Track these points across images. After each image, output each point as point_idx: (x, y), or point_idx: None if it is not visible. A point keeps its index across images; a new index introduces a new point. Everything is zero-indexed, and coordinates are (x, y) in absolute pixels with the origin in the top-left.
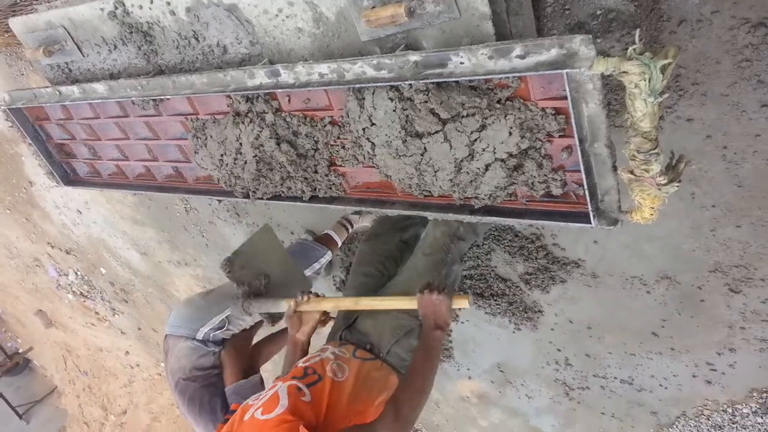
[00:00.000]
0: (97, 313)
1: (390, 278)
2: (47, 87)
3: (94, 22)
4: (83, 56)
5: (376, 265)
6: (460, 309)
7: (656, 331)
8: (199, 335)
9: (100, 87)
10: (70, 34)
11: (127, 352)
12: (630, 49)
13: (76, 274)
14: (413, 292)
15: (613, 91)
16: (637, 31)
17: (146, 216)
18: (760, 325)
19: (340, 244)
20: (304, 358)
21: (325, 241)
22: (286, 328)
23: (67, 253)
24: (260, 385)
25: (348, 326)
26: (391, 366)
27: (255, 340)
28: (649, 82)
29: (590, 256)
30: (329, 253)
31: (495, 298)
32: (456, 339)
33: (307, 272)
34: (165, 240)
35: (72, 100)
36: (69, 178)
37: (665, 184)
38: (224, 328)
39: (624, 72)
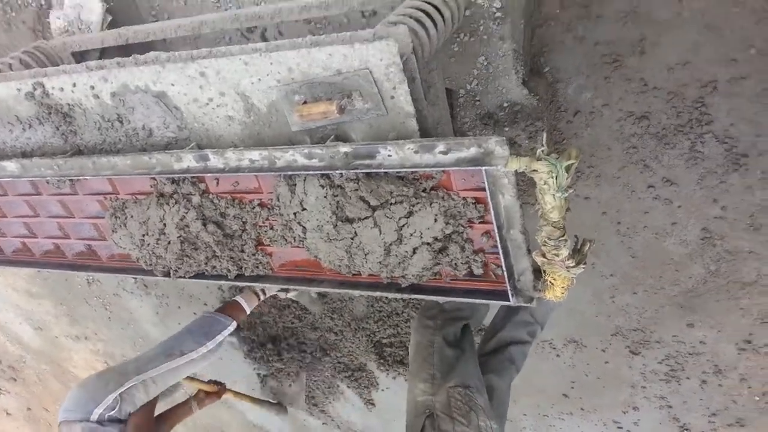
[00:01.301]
0: None
1: None
2: None
3: (9, 101)
4: None
5: None
6: None
7: (567, 393)
8: (94, 417)
9: (10, 165)
10: None
11: None
12: (538, 150)
13: None
14: (413, 402)
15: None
16: (544, 135)
17: (43, 288)
18: (658, 384)
19: (248, 311)
20: None
21: (231, 309)
22: (177, 406)
23: None
24: None
25: None
26: None
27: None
28: (556, 179)
29: None
30: (233, 323)
31: None
32: (380, 409)
33: (210, 345)
34: (63, 313)
35: None
36: None
37: (573, 267)
38: (117, 408)
39: (534, 170)
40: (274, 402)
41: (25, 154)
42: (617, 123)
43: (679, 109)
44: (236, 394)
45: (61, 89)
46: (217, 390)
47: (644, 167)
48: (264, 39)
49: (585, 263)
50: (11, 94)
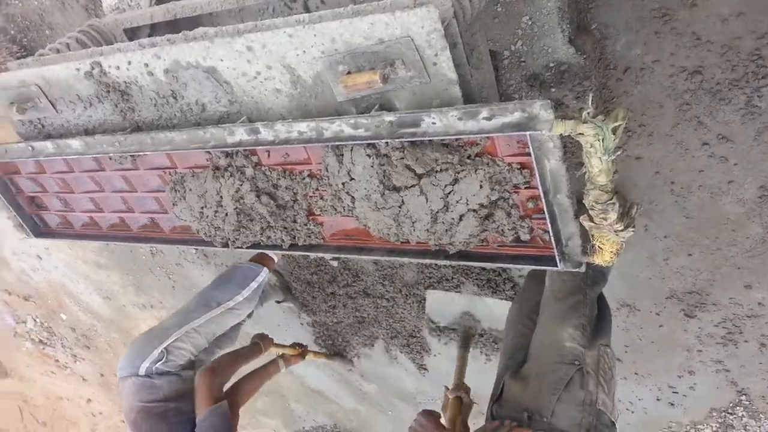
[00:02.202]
0: (57, 360)
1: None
2: (19, 142)
3: (70, 81)
4: (57, 113)
5: (525, 323)
6: None
7: (620, 357)
8: (141, 371)
9: (75, 143)
10: (43, 92)
11: (89, 400)
12: (584, 113)
13: (34, 321)
14: (558, 344)
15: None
16: (590, 96)
17: (110, 259)
18: (714, 348)
19: (276, 259)
20: None
21: (261, 258)
22: (268, 364)
23: (26, 299)
24: (227, 417)
25: (496, 399)
26: (562, 430)
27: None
28: (603, 142)
29: None
30: (265, 270)
31: None
32: (433, 374)
33: (245, 292)
34: (129, 283)
35: (46, 156)
36: (39, 230)
37: (622, 230)
38: (164, 360)
39: (580, 133)
40: (344, 355)
41: (87, 132)
42: (669, 79)
43: (734, 62)
44: (315, 353)
45: (117, 67)
46: (300, 351)
47: (698, 124)
48: (306, 8)
49: (634, 227)
50: (71, 73)
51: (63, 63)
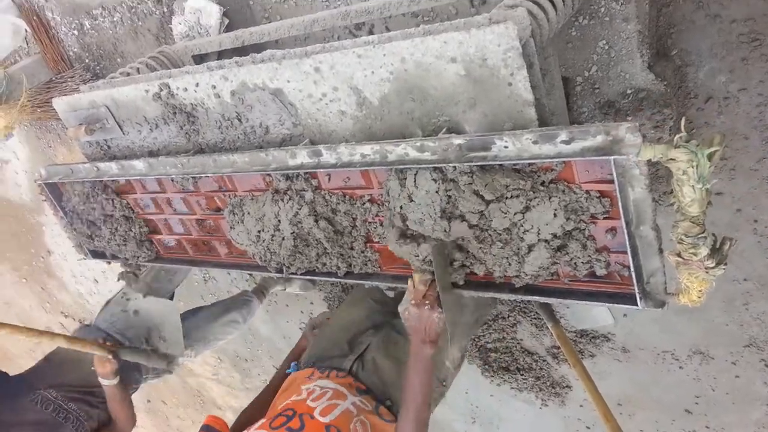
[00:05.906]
0: None
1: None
2: (85, 163)
3: (138, 102)
4: (123, 134)
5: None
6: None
7: (690, 408)
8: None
9: (139, 164)
10: (112, 113)
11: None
12: (677, 137)
13: None
14: (440, 360)
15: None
16: (683, 120)
17: None
18: None
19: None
20: (327, 396)
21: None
22: None
23: (81, 322)
24: None
25: (359, 356)
26: None
27: None
28: (697, 168)
29: (620, 330)
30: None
31: (521, 372)
32: (480, 416)
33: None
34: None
35: (110, 177)
36: (98, 251)
37: (713, 268)
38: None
39: (671, 159)
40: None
41: (152, 153)
42: (756, 109)
43: None
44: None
45: (185, 89)
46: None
47: None
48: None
49: (726, 264)
50: (140, 95)
51: (132, 85)
